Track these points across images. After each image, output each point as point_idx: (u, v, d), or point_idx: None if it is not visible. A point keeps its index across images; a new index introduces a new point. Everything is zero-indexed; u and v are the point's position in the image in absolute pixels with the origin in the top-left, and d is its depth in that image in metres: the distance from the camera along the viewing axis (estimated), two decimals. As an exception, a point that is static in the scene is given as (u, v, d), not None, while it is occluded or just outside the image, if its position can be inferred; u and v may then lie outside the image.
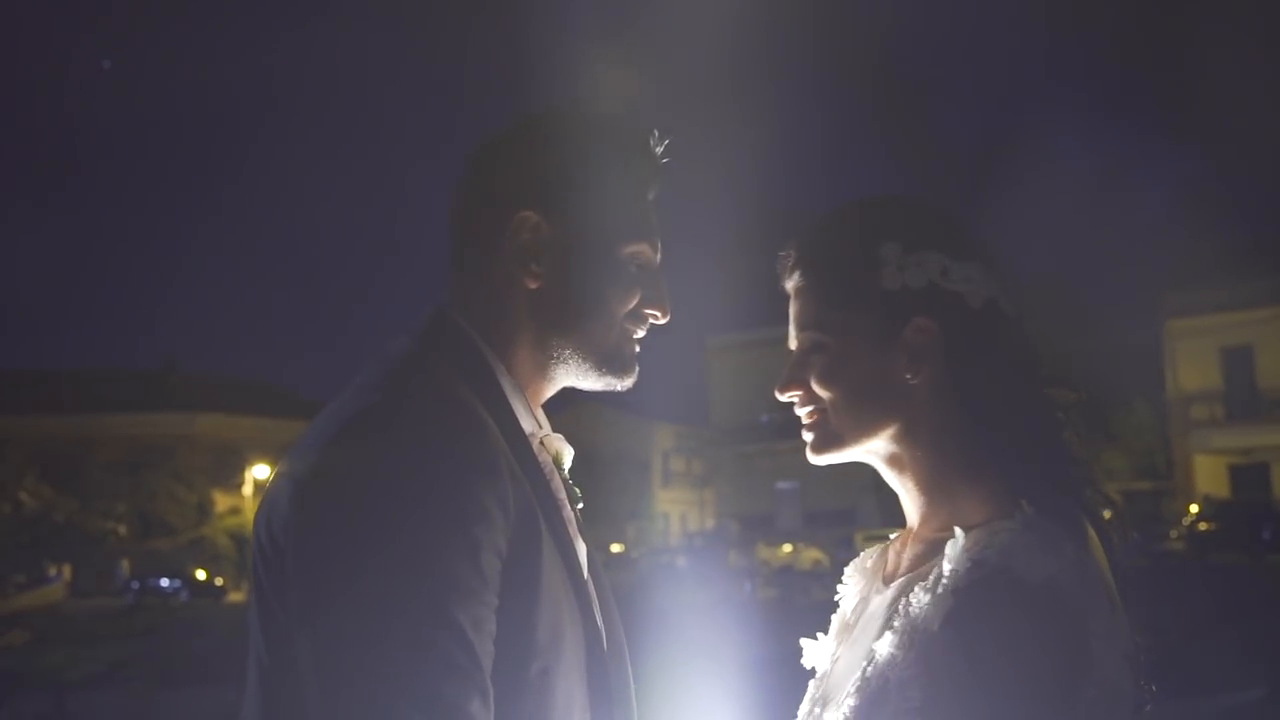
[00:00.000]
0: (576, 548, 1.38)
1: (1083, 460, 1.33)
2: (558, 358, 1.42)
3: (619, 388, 1.47)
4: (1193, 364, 34.58)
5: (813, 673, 1.47)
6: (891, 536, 1.50)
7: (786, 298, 1.44)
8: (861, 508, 38.94)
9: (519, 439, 1.35)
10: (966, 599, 1.17)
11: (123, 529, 41.73)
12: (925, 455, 1.35)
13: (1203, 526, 26.64)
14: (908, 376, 1.33)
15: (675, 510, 51.29)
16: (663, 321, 1.49)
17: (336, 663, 1.15)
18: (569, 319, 1.41)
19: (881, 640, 1.24)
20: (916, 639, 1.20)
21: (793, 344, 1.43)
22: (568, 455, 1.47)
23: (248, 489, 43.21)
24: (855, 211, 1.43)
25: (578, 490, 1.46)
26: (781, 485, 42.85)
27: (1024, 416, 1.32)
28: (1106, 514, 1.31)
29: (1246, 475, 33.45)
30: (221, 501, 43.72)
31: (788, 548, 34.29)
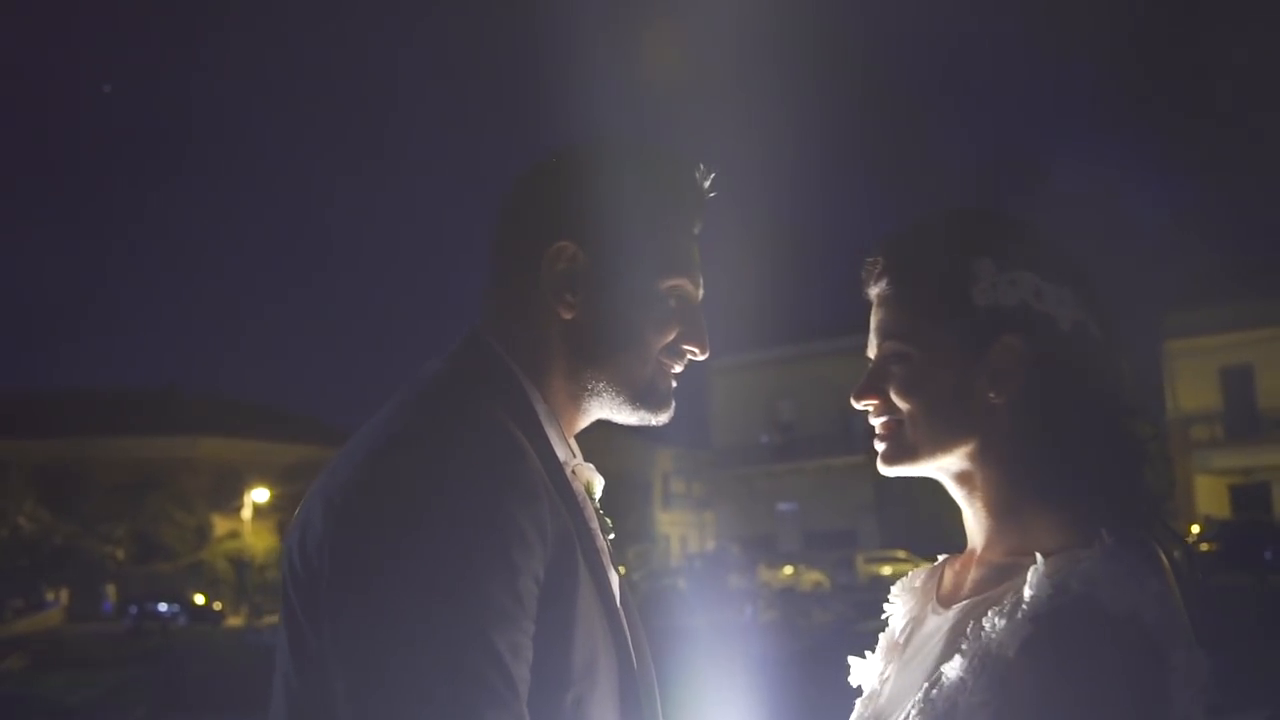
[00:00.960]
0: (609, 576, 1.37)
1: (1158, 495, 1.31)
2: (591, 390, 1.40)
3: (654, 423, 1.44)
4: (1192, 384, 34.56)
5: (858, 691, 1.44)
6: (941, 558, 1.47)
7: (867, 305, 1.42)
8: (862, 529, 38.87)
9: (554, 466, 1.33)
10: (1047, 626, 1.15)
11: (121, 553, 41.58)
12: (999, 476, 1.32)
13: (1204, 547, 26.55)
14: (990, 395, 1.31)
15: (676, 532, 51.16)
16: (701, 358, 1.46)
17: (371, 686, 1.13)
18: (602, 351, 1.39)
19: (950, 663, 1.21)
20: (989, 664, 1.17)
21: (871, 352, 1.40)
22: (598, 484, 1.44)
23: (247, 513, 43.09)
24: (949, 223, 1.40)
25: (608, 520, 1.44)
26: (782, 507, 42.77)
27: (1105, 445, 1.29)
28: (1176, 551, 1.28)
29: (1247, 495, 33.39)
30: (221, 525, 43.56)
31: (789, 569, 34.22)
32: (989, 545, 1.34)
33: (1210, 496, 33.66)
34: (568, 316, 1.38)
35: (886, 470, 1.39)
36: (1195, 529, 29.14)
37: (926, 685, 1.23)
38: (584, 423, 1.46)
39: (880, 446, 1.38)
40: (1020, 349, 1.30)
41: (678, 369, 1.46)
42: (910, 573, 1.52)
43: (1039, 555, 1.21)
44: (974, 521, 1.37)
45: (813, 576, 33.67)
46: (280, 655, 1.29)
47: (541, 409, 1.38)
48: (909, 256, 1.38)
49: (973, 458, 1.34)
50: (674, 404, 1.46)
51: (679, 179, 1.45)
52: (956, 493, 1.38)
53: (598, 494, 1.44)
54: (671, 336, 1.42)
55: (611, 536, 1.44)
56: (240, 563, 41.28)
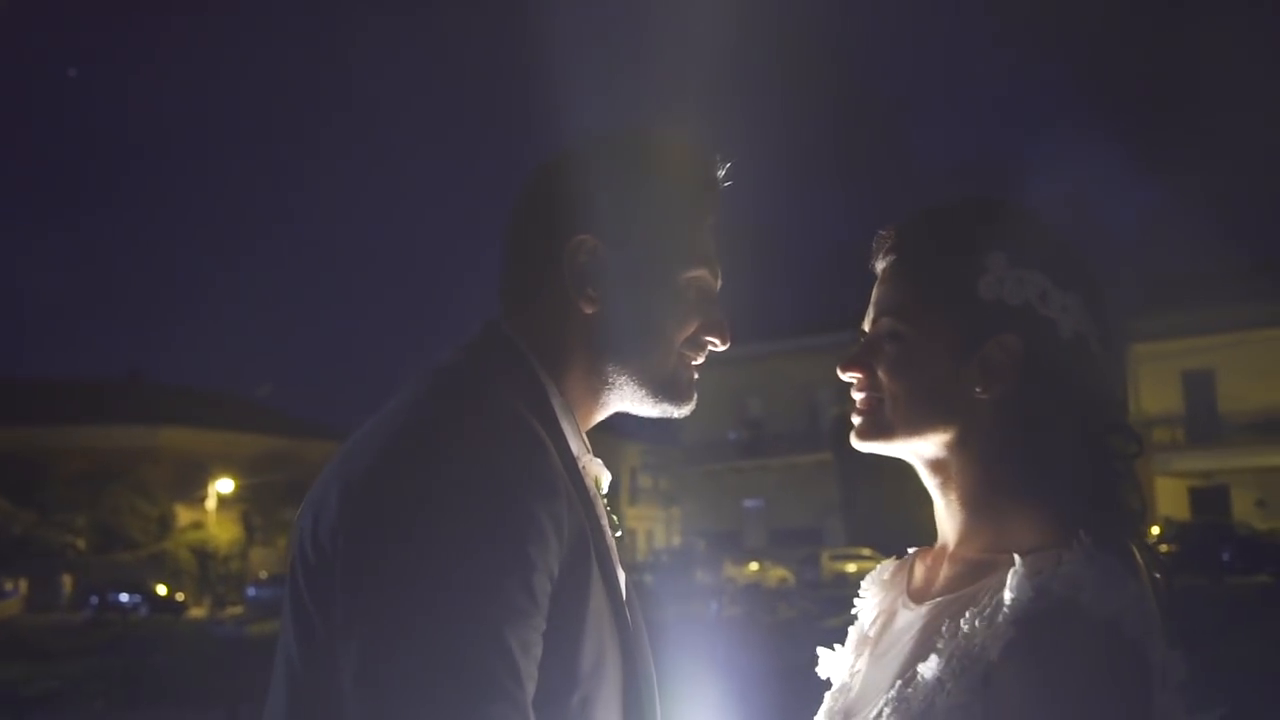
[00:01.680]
0: (618, 575, 1.35)
1: (1137, 510, 1.30)
2: (612, 383, 1.39)
3: (675, 415, 1.43)
4: (1155, 388, 34.94)
5: (827, 684, 1.44)
6: (910, 550, 1.46)
7: (873, 278, 1.39)
8: (826, 526, 39.03)
9: (570, 461, 1.32)
10: (1030, 631, 1.13)
11: (82, 543, 41.15)
12: (975, 470, 1.31)
13: (1163, 549, 26.79)
14: (977, 389, 1.29)
15: (642, 527, 51.25)
16: (721, 349, 1.45)
17: (379, 676, 1.11)
18: (625, 345, 1.38)
19: (926, 663, 1.20)
20: (968, 666, 1.16)
21: (867, 325, 1.38)
22: (605, 480, 1.43)
23: (210, 503, 42.74)
24: (968, 210, 1.37)
25: (615, 517, 1.42)
26: (748, 503, 42.90)
27: (1085, 454, 1.28)
28: (1147, 555, 1.26)
29: (1206, 498, 33.82)
30: (184, 515, 43.18)
31: (754, 565, 34.32)
32: (962, 541, 1.32)
33: (1170, 499, 34.04)
34: (589, 311, 1.37)
35: (860, 445, 1.37)
36: (1155, 530, 29.50)
37: (900, 683, 1.23)
38: (601, 416, 1.45)
39: (856, 420, 1.37)
40: (1016, 349, 1.28)
41: (699, 360, 1.45)
42: (879, 565, 1.51)
43: (1017, 556, 1.20)
44: (947, 515, 1.35)
45: (778, 573, 33.80)
46: (284, 641, 1.27)
47: (558, 402, 1.36)
48: (922, 236, 1.36)
49: (950, 447, 1.32)
50: (695, 396, 1.45)
51: (696, 169, 1.43)
52: (929, 481, 1.36)
53: (604, 489, 1.42)
54: (693, 328, 1.41)
55: (619, 535, 1.42)
56: (203, 553, 40.94)
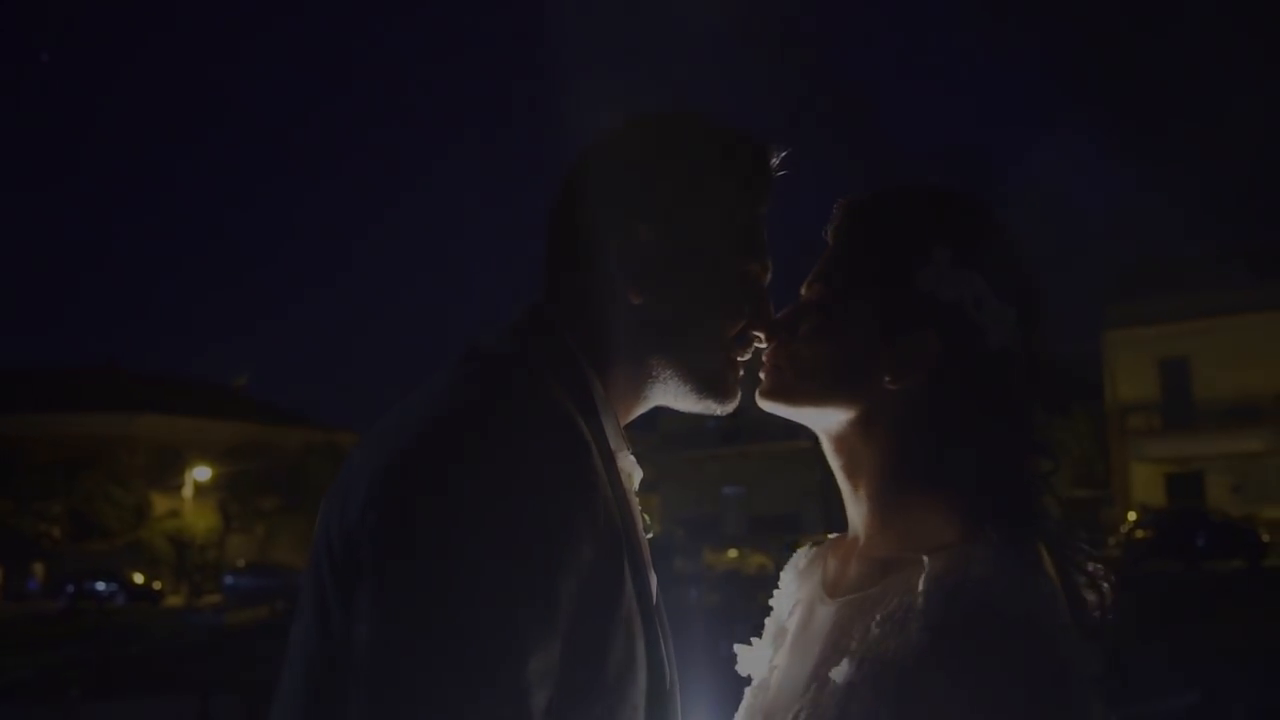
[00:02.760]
0: (650, 579, 1.31)
1: (1053, 516, 1.25)
2: (656, 377, 1.35)
3: (718, 412, 1.38)
4: (1131, 375, 35.22)
5: (748, 680, 1.40)
6: (831, 536, 1.43)
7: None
8: (806, 513, 39.20)
9: (608, 457, 1.27)
10: (948, 636, 1.10)
11: (57, 531, 40.93)
12: (878, 458, 1.29)
13: (1139, 534, 27.18)
14: (886, 379, 1.26)
15: (621, 515, 51.22)
16: (769, 346, 1.40)
17: (384, 665, 1.07)
18: (673, 338, 1.33)
19: (839, 667, 1.17)
20: (880, 671, 1.13)
21: (804, 290, 1.37)
22: (637, 477, 1.38)
23: (187, 491, 42.55)
24: (927, 196, 1.33)
25: (647, 517, 1.38)
26: (727, 490, 43.03)
27: (988, 458, 1.24)
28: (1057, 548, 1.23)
29: (1182, 484, 34.15)
30: (160, 504, 42.98)
31: (733, 552, 34.45)
32: (870, 535, 1.30)
33: (1146, 485, 34.38)
34: (637, 302, 1.32)
35: (761, 404, 1.36)
36: (1132, 517, 29.80)
37: (815, 686, 1.20)
38: (641, 410, 1.40)
39: (762, 376, 1.36)
40: (933, 347, 1.25)
41: (746, 356, 1.39)
42: (796, 553, 1.48)
43: (925, 558, 1.17)
44: (853, 503, 1.33)
45: (757, 560, 33.92)
46: (301, 625, 1.22)
47: (599, 394, 1.31)
48: (875, 213, 1.33)
49: (853, 428, 1.30)
50: (740, 393, 1.39)
51: (749, 157, 1.38)
52: (833, 460, 1.34)
53: (636, 486, 1.38)
54: (742, 324, 1.36)
55: (650, 536, 1.38)
56: (180, 542, 40.77)
